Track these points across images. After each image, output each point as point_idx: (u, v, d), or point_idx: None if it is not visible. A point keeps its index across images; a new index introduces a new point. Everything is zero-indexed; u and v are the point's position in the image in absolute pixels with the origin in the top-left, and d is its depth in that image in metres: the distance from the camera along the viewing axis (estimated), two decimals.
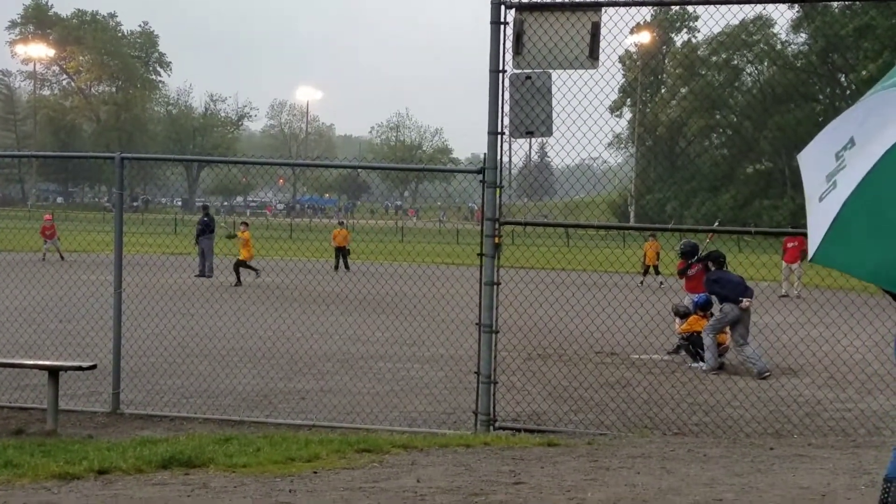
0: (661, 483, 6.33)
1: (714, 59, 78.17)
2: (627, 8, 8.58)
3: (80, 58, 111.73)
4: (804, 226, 3.50)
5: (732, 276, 13.60)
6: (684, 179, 76.21)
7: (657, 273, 29.06)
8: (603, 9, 8.47)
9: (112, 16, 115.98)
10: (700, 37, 79.96)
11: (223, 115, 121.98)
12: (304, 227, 55.28)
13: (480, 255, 8.69)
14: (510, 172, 9.23)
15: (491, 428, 8.72)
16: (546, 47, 8.43)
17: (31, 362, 9.70)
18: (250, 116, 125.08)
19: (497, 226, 8.68)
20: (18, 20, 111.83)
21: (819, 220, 3.34)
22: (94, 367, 9.33)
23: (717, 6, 8.98)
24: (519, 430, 8.79)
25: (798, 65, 73.70)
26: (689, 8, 79.76)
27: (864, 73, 58.74)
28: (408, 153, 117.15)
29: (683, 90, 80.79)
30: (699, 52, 79.02)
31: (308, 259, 19.64)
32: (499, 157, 8.63)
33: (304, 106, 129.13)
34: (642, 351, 13.99)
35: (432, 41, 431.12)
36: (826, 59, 71.33)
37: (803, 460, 7.31)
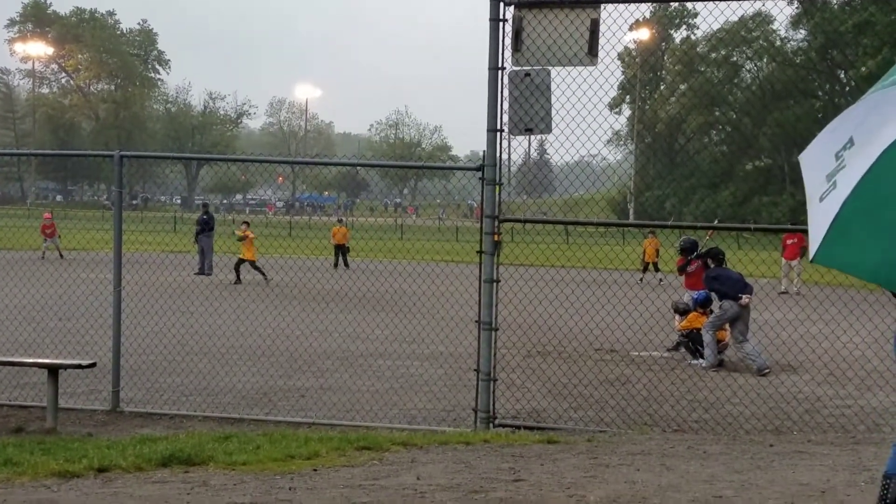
0: (660, 480, 6.33)
1: (713, 55, 78.26)
2: (626, 4, 8.57)
3: (79, 56, 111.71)
4: (803, 222, 3.51)
5: (732, 272, 13.60)
6: (683, 176, 76.25)
7: (656, 270, 29.06)
8: (602, 5, 8.46)
9: (111, 14, 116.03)
10: (699, 33, 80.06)
11: (222, 113, 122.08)
12: (303, 225, 55.25)
13: (480, 252, 8.69)
14: (509, 169, 9.21)
15: (491, 425, 8.72)
16: (545, 44, 8.42)
17: (31, 360, 9.70)
18: (249, 114, 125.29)
19: (496, 223, 8.68)
20: (17, 18, 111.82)
21: (820, 220, 3.34)
22: (93, 365, 9.33)
23: (717, 3, 8.98)
24: (519, 428, 8.79)
25: (797, 61, 73.68)
26: (689, 4, 79.75)
27: (863, 69, 58.76)
28: (407, 151, 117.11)
29: (682, 87, 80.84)
30: (698, 49, 79.06)
31: (307, 257, 19.63)
32: (498, 155, 8.62)
33: (303, 104, 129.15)
34: (642, 348, 13.99)
35: (431, 39, 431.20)
36: (825, 56, 71.35)
37: (803, 457, 7.31)
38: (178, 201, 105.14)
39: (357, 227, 46.03)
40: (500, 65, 8.49)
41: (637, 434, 8.62)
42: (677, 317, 14.52)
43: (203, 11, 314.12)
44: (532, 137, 9.25)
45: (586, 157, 11.21)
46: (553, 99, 8.61)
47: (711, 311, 13.69)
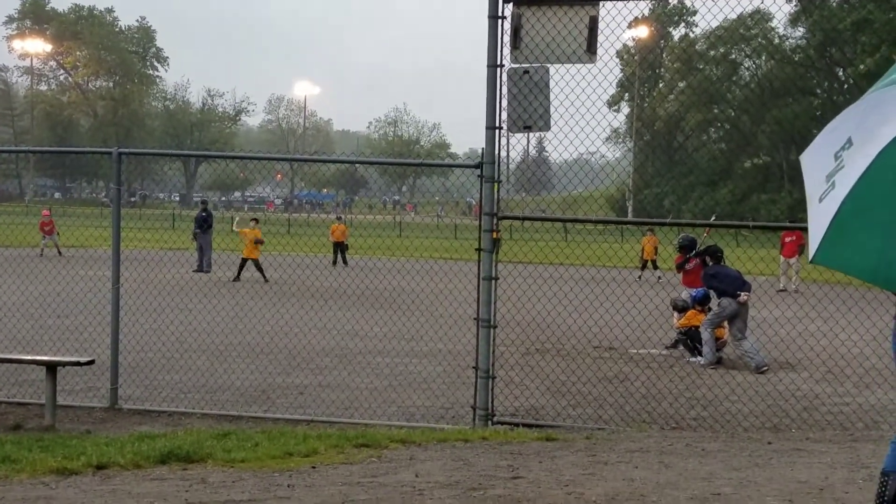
0: (659, 477, 6.33)
1: (712, 53, 78.16)
2: (625, 2, 8.58)
3: (78, 53, 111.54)
4: (802, 220, 3.53)
5: (730, 270, 13.60)
6: (682, 174, 76.18)
7: (655, 267, 29.07)
8: (601, 3, 8.46)
9: (109, 11, 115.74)
10: (698, 31, 79.99)
11: (221, 110, 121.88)
12: (301, 223, 55.26)
13: (479, 249, 8.69)
14: (508, 167, 9.21)
15: (489, 423, 8.72)
16: (544, 42, 8.42)
17: (29, 358, 9.70)
18: (248, 111, 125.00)
19: (495, 221, 8.68)
20: (15, 15, 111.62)
21: (819, 220, 3.35)
22: (92, 362, 9.34)
23: (715, 0, 8.98)
24: (517, 425, 8.79)
25: (796, 59, 73.65)
26: (687, 2, 79.71)
27: (861, 67, 58.73)
28: (406, 148, 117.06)
29: (681, 84, 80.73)
30: (697, 47, 78.97)
31: (306, 254, 19.63)
32: (497, 152, 8.62)
33: (301, 101, 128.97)
34: (640, 346, 14.00)
35: (430, 36, 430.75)
36: (824, 54, 71.30)
37: (801, 454, 7.31)
38: (177, 198, 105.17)
39: (356, 225, 46.02)
40: (498, 62, 8.49)
41: (635, 431, 8.62)
42: (676, 314, 14.52)
43: (202, 8, 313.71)
44: (531, 135, 9.23)
45: (585, 155, 11.20)
46: (552, 96, 8.61)
47: (710, 309, 13.69)
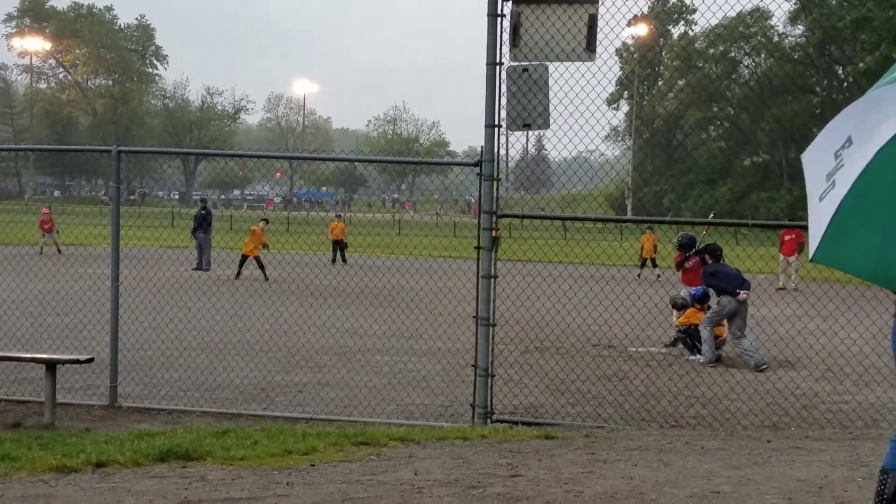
0: (658, 475, 6.33)
1: (711, 51, 78.14)
2: (624, 0, 8.58)
3: (77, 51, 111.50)
4: (801, 218, 3.54)
5: (729, 268, 13.60)
6: (681, 172, 76.18)
7: (654, 266, 29.08)
8: (600, 1, 8.46)
9: (108, 9, 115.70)
10: (697, 29, 79.95)
11: (220, 108, 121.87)
12: (301, 221, 55.22)
13: (478, 248, 8.69)
14: (507, 165, 9.23)
15: (488, 421, 8.72)
16: (543, 40, 8.42)
17: (29, 355, 9.70)
18: (247, 110, 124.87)
19: (494, 219, 8.68)
20: (15, 13, 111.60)
21: (819, 219, 3.35)
22: (91, 360, 9.33)
23: None
24: (516, 423, 8.79)
25: (795, 57, 73.65)
26: (687, 0, 79.90)
27: (861, 65, 58.74)
28: (405, 146, 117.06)
29: (681, 82, 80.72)
30: (696, 45, 78.94)
31: (305, 252, 19.63)
32: (496, 150, 8.62)
33: (300, 99, 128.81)
34: (639, 344, 14.00)
35: (429, 34, 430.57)
36: (823, 51, 71.31)
37: (800, 452, 7.32)
38: (176, 197, 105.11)
39: (355, 223, 45.99)
40: (498, 60, 8.48)
41: (634, 430, 8.63)
42: (675, 312, 14.52)
43: (201, 7, 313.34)
44: (530, 133, 9.26)
45: (584, 153, 11.18)
46: (551, 94, 8.61)
47: (709, 307, 13.70)
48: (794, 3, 66.25)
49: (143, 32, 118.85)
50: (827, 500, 5.75)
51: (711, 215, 33.04)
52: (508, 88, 8.58)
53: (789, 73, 69.93)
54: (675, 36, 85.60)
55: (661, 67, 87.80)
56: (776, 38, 75.35)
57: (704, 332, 13.10)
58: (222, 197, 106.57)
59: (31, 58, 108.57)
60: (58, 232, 33.00)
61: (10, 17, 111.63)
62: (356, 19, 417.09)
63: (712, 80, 76.48)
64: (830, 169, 3.43)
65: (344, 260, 31.58)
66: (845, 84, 70.89)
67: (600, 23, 8.45)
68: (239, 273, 24.98)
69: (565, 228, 39.58)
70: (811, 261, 3.40)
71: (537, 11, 8.44)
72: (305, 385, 10.87)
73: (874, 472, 5.04)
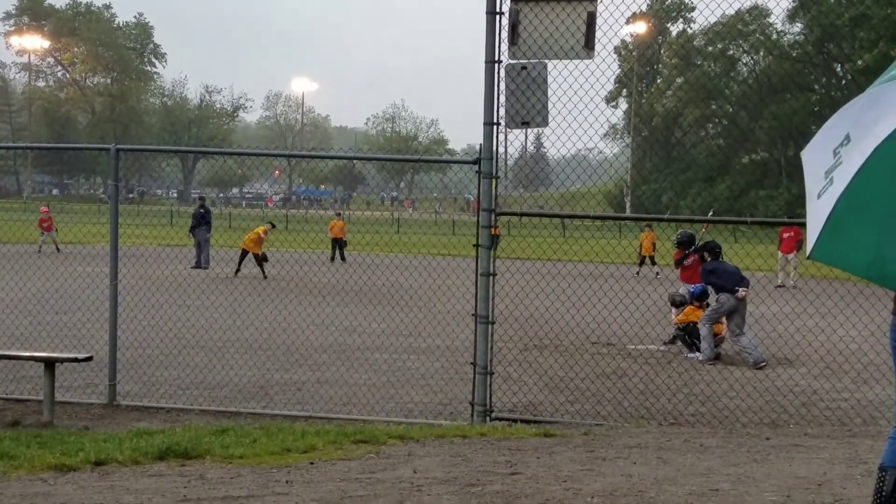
0: (657, 473, 6.33)
1: (710, 49, 78.15)
2: None
3: (75, 49, 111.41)
4: (800, 216, 3.55)
5: (728, 266, 13.61)
6: (680, 170, 76.25)
7: (653, 263, 29.07)
8: None
9: (107, 7, 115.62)
10: (696, 27, 79.99)
11: (218, 106, 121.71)
12: (300, 219, 55.21)
13: (476, 246, 8.69)
14: (506, 163, 9.22)
15: (487, 419, 8.73)
16: (542, 37, 8.41)
17: (28, 354, 9.69)
18: (246, 108, 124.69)
19: (493, 217, 8.68)
20: (13, 11, 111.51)
21: (817, 216, 3.36)
22: (90, 358, 9.33)
23: None
24: (515, 421, 8.79)
25: (794, 54, 73.65)
26: None
27: (859, 62, 58.78)
28: (403, 144, 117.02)
29: (679, 80, 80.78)
30: (695, 43, 78.97)
31: (304, 250, 19.64)
32: (495, 148, 8.61)
33: (299, 97, 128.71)
34: (638, 341, 14.00)
35: (428, 32, 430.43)
36: (822, 49, 71.32)
37: (799, 450, 7.32)
38: (175, 195, 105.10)
39: (354, 221, 45.98)
40: (496, 58, 8.48)
41: (634, 427, 8.63)
42: (674, 310, 14.53)
43: (200, 6, 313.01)
44: (529, 131, 9.24)
45: (583, 151, 11.21)
46: (550, 92, 8.61)
47: (708, 305, 13.70)
48: (793, 1, 66.29)
49: (142, 31, 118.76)
50: (826, 497, 5.76)
51: (710, 213, 33.05)
52: (507, 86, 8.58)
53: (788, 71, 69.93)
54: (674, 33, 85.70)
55: (660, 65, 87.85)
56: (775, 36, 75.38)
57: (703, 330, 13.10)
58: (221, 195, 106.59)
59: (29, 56, 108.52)
60: (56, 230, 32.98)
61: (8, 16, 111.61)
62: (356, 19, 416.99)
63: (711, 78, 76.54)
64: (829, 166, 3.44)
65: (343, 258, 31.58)
66: (844, 82, 70.92)
67: (599, 20, 8.46)
68: (238, 269, 24.97)
69: (564, 226, 39.64)
70: (809, 258, 3.41)
71: (536, 9, 8.44)
72: (304, 383, 10.86)
73: (873, 469, 5.04)
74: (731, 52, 79.03)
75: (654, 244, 29.10)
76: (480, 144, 8.65)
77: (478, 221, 8.72)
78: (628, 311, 13.16)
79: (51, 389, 8.72)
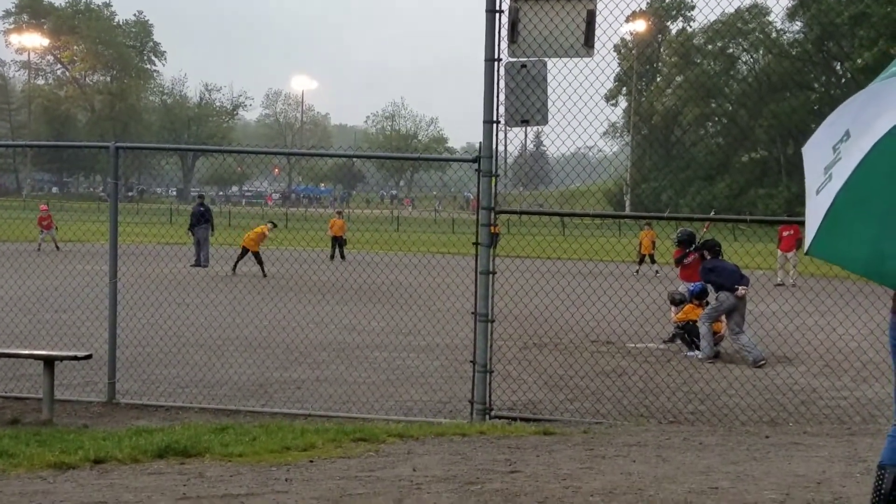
0: (656, 471, 6.34)
1: (709, 47, 78.18)
2: None
3: (75, 47, 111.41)
4: (799, 214, 3.55)
5: (728, 264, 13.61)
6: (680, 168, 76.29)
7: (653, 262, 29.07)
8: None
9: (107, 5, 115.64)
10: (695, 25, 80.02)
11: (218, 104, 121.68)
12: (299, 217, 55.18)
13: (476, 244, 8.68)
14: (505, 161, 9.21)
15: (487, 417, 8.73)
16: (541, 36, 8.41)
17: (27, 352, 9.68)
18: (245, 106, 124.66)
19: (493, 215, 8.68)
20: (13, 9, 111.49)
21: (816, 212, 3.36)
22: (89, 356, 9.32)
23: None
24: (515, 419, 8.79)
25: (793, 53, 73.67)
26: None
27: (859, 61, 58.76)
28: (403, 142, 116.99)
29: (679, 79, 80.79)
30: (695, 41, 78.98)
31: (303, 248, 19.62)
32: (494, 146, 8.61)
33: (299, 95, 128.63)
34: (638, 340, 14.00)
35: (428, 30, 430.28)
36: (821, 48, 71.33)
37: (799, 448, 7.32)
38: (175, 193, 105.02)
39: (353, 219, 45.97)
40: (496, 56, 8.47)
41: (633, 425, 8.63)
42: (673, 308, 14.53)
43: (200, 5, 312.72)
44: (528, 129, 9.23)
45: (582, 149, 11.18)
46: (549, 90, 8.60)
47: (707, 303, 13.70)
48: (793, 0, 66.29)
49: (141, 29, 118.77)
50: (825, 495, 5.76)
51: (713, 212, 33.03)
52: (507, 84, 8.58)
53: (787, 70, 69.95)
54: (674, 32, 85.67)
55: (660, 63, 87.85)
56: (774, 35, 75.39)
57: (703, 328, 13.10)
58: (220, 193, 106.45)
59: (29, 54, 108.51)
60: (56, 228, 32.97)
61: (8, 14, 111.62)
62: (356, 19, 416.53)
63: (710, 77, 76.58)
64: (828, 162, 3.44)
65: (343, 256, 31.56)
66: (843, 80, 70.92)
67: (598, 19, 8.45)
68: (235, 267, 24.96)
69: (563, 225, 39.67)
70: (807, 253, 3.40)
71: (535, 7, 8.43)
72: (304, 381, 10.87)
73: (872, 467, 5.04)
74: (731, 50, 79.09)
75: (653, 242, 29.10)
76: (480, 143, 8.65)
77: (477, 220, 8.72)
78: (628, 309, 13.16)
79: (50, 387, 8.72)
